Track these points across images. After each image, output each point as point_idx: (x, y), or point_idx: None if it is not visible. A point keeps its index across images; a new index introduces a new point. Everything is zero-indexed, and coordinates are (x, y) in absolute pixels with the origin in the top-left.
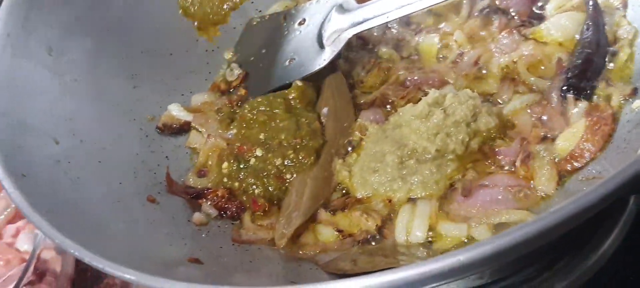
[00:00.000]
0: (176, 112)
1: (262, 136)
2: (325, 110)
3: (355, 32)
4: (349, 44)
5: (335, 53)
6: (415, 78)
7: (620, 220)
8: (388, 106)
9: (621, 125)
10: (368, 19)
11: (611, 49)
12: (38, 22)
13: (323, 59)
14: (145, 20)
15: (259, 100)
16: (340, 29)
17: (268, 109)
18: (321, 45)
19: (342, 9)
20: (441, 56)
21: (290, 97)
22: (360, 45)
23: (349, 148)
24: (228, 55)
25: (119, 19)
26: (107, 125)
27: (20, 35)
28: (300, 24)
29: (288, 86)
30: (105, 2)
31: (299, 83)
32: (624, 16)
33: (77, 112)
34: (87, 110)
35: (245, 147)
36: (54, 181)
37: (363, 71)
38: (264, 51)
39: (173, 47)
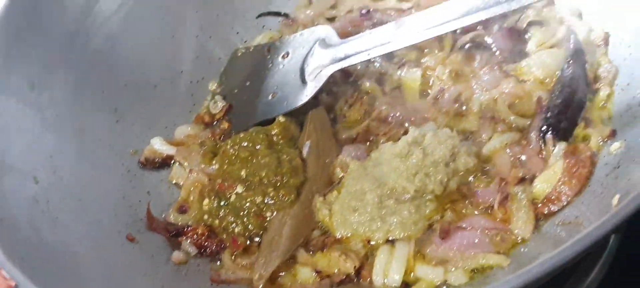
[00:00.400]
0: (159, 145)
1: (243, 173)
2: (307, 145)
3: (336, 69)
4: (332, 78)
5: (317, 89)
6: (397, 114)
7: (601, 257)
8: (371, 141)
9: (599, 168)
10: (350, 56)
11: (592, 88)
12: (19, 58)
13: (305, 95)
14: (128, 53)
15: (242, 135)
16: (322, 65)
17: (250, 144)
18: (303, 80)
19: (324, 43)
20: (424, 92)
21: (273, 133)
22: (344, 79)
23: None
24: (212, 86)
25: (101, 52)
26: (88, 161)
27: (1, 71)
28: (283, 57)
29: (271, 120)
30: (86, 37)
31: (282, 119)
32: (605, 54)
33: (58, 148)
34: (68, 147)
35: (226, 184)
36: (32, 223)
37: (346, 105)
38: (248, 83)
39: (157, 79)
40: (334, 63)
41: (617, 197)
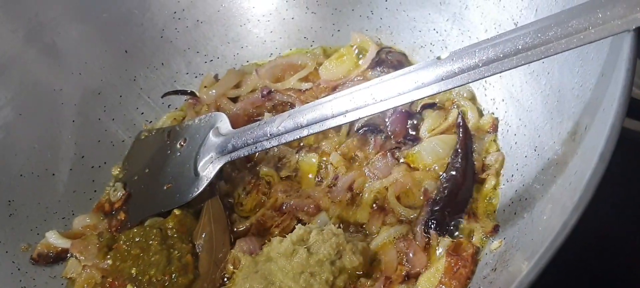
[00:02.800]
0: (53, 239)
1: (133, 271)
2: (201, 239)
3: (225, 161)
4: (232, 163)
5: (207, 182)
6: (292, 203)
7: None
8: (265, 231)
9: (480, 267)
10: (238, 148)
11: (478, 177)
12: None
13: (196, 188)
14: (24, 142)
15: (135, 230)
16: (212, 157)
17: (143, 240)
18: (196, 172)
19: (217, 132)
20: (319, 179)
21: (168, 227)
22: (243, 164)
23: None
24: (115, 171)
25: None
26: None
27: None
28: (181, 144)
29: (167, 212)
30: None
31: (177, 212)
32: (494, 140)
33: None
34: None
35: (116, 283)
36: None
37: (243, 192)
38: (147, 171)
39: (56, 166)
40: (224, 155)
41: None
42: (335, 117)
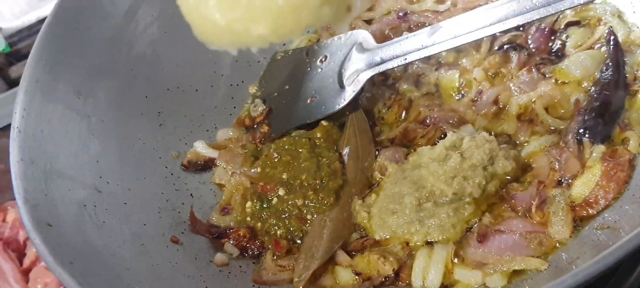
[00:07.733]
0: (201, 149)
1: (284, 176)
2: (346, 149)
3: (373, 73)
4: (370, 81)
5: (354, 93)
6: (435, 116)
7: None
8: (409, 143)
9: (637, 171)
10: (386, 61)
11: (630, 89)
12: (65, 66)
13: (343, 99)
14: (170, 58)
15: (284, 140)
16: (359, 69)
17: (293, 148)
18: (341, 85)
19: (361, 48)
20: (461, 94)
21: (316, 137)
22: (382, 82)
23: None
24: (252, 89)
25: (144, 57)
26: (132, 165)
27: (48, 80)
28: (321, 61)
29: (312, 124)
30: (129, 43)
31: (325, 123)
32: None
33: (103, 154)
34: (113, 151)
35: (268, 187)
36: (79, 228)
37: (384, 108)
38: (286, 87)
39: (198, 83)
40: (371, 67)
41: None
42: (489, 26)
